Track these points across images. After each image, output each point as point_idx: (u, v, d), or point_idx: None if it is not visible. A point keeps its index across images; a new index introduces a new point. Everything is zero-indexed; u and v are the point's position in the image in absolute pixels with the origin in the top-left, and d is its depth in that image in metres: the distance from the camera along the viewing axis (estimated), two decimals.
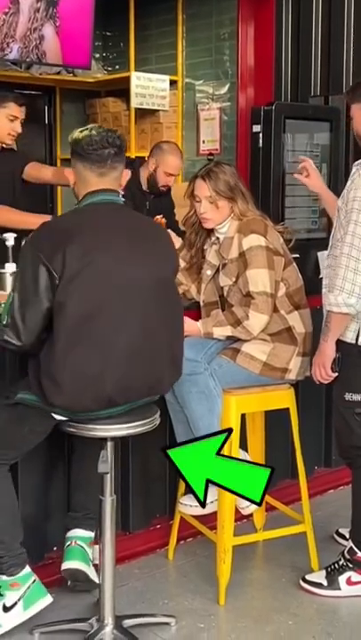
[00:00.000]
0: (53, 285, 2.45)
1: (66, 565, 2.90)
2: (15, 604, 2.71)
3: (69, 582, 2.93)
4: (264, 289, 3.06)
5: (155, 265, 2.63)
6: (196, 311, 3.33)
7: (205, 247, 3.32)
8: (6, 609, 2.70)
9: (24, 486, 3.02)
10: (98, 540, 2.83)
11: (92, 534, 2.97)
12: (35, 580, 2.74)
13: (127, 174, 2.72)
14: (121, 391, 2.56)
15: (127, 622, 2.77)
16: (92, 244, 2.50)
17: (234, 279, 3.15)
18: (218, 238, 3.25)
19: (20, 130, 3.91)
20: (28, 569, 2.74)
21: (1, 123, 3.85)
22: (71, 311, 2.46)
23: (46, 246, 2.47)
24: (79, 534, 2.94)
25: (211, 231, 3.29)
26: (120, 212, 2.67)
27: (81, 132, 2.64)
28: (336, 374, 2.99)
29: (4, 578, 2.72)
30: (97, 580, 2.87)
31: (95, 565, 2.92)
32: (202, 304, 3.32)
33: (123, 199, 2.71)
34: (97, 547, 2.94)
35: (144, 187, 4.48)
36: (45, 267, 2.44)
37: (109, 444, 2.68)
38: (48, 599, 2.76)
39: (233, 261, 3.15)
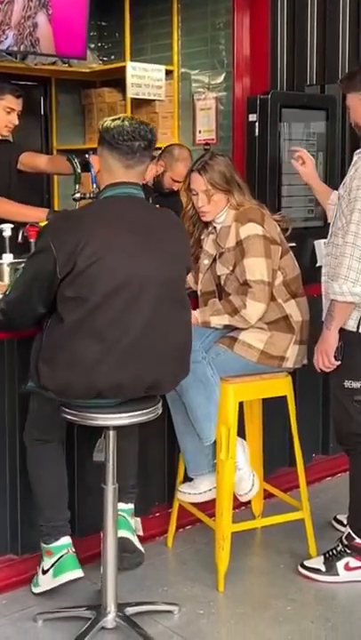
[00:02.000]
0: (58, 277, 2.48)
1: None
2: (49, 570, 2.86)
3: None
4: (261, 277, 3.07)
5: (165, 264, 2.61)
6: (193, 300, 3.34)
7: (202, 237, 3.33)
8: (44, 572, 2.89)
9: (24, 476, 3.05)
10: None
11: (131, 506, 3.05)
12: (68, 552, 2.84)
13: (153, 169, 2.71)
14: (111, 387, 2.56)
15: (129, 610, 2.79)
16: (103, 240, 2.50)
17: (231, 268, 3.16)
18: (215, 228, 3.26)
19: (16, 122, 3.91)
20: (63, 541, 2.85)
21: None
22: (75, 304, 2.50)
23: (59, 237, 2.50)
24: (120, 507, 2.96)
25: (208, 222, 3.29)
26: (137, 207, 2.64)
27: (113, 120, 2.61)
28: (339, 362, 3.00)
29: (42, 544, 2.88)
30: (142, 549, 3.00)
31: (139, 536, 3.08)
32: (199, 293, 3.33)
33: (143, 193, 2.68)
34: (138, 518, 3.11)
35: (149, 182, 4.48)
36: (54, 257, 2.47)
37: (111, 432, 2.69)
38: (77, 573, 2.83)
39: (230, 250, 3.15)
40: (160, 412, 2.75)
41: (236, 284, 3.15)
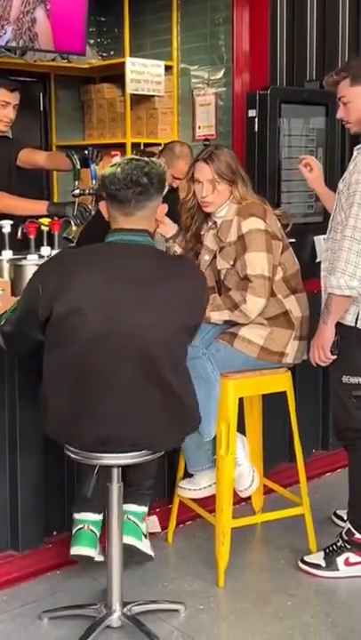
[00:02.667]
0: (40, 319, 2.46)
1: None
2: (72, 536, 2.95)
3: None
4: (262, 272, 3.07)
5: (158, 320, 2.46)
6: None
7: (202, 232, 3.32)
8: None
9: (24, 472, 3.05)
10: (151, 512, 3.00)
11: (145, 509, 3.03)
12: (83, 528, 2.90)
13: (164, 209, 2.61)
14: (96, 441, 2.54)
15: (135, 609, 2.79)
16: (85, 288, 2.42)
17: (231, 262, 3.15)
18: (215, 222, 3.25)
19: (12, 116, 3.88)
20: (84, 515, 2.91)
21: None
22: (54, 354, 2.49)
23: (46, 278, 2.47)
24: (132, 509, 2.97)
25: (207, 216, 3.29)
26: (135, 256, 2.51)
27: (111, 166, 2.54)
28: (335, 357, 3.00)
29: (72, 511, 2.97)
30: (151, 553, 3.00)
31: (151, 534, 3.10)
32: None
33: (149, 239, 2.56)
34: (151, 518, 3.13)
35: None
36: (39, 298, 2.44)
37: (115, 470, 2.70)
38: (84, 550, 2.89)
39: (231, 244, 3.15)
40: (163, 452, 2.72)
41: (236, 279, 3.15)
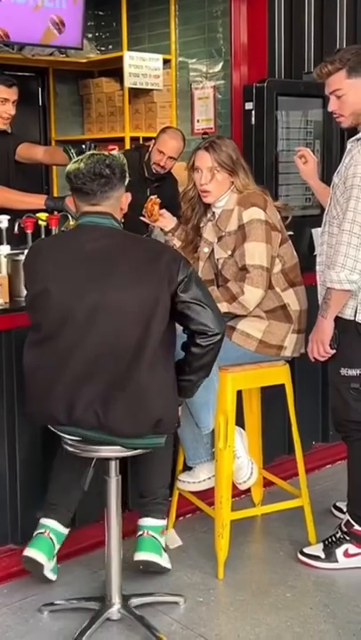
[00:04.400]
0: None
1: (139, 557, 2.93)
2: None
3: (141, 567, 2.96)
4: (260, 262, 3.07)
5: (124, 296, 2.49)
6: None
7: (201, 225, 3.32)
8: None
9: (23, 466, 3.06)
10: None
11: (163, 522, 3.01)
12: (43, 533, 2.88)
13: (128, 197, 2.69)
14: (64, 413, 2.56)
15: (134, 601, 2.81)
16: (51, 270, 2.55)
17: (230, 252, 3.15)
18: (214, 214, 3.25)
19: (11, 112, 3.89)
20: (49, 522, 2.90)
21: None
22: (32, 333, 2.62)
23: (25, 264, 2.73)
24: (150, 524, 2.97)
25: (207, 207, 3.29)
26: (96, 235, 2.58)
27: (74, 162, 2.65)
28: (334, 351, 3.00)
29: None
30: (169, 567, 2.99)
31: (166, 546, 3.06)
32: None
33: (113, 221, 2.63)
34: (170, 532, 3.14)
35: (147, 173, 4.46)
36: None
37: (112, 463, 2.71)
38: (36, 554, 2.85)
39: (231, 234, 3.14)
40: (163, 441, 2.68)
41: (233, 269, 3.14)
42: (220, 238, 3.19)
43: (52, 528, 2.90)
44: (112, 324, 2.49)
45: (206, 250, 3.27)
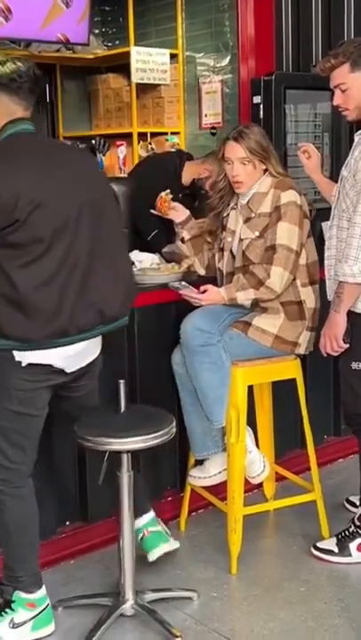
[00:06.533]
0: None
1: (152, 557, 2.97)
2: (24, 622, 2.65)
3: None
4: (289, 244, 3.04)
5: (94, 190, 2.62)
6: (199, 285, 3.28)
7: (225, 214, 3.28)
8: (15, 625, 2.64)
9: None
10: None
11: (152, 513, 3.02)
12: (48, 605, 2.70)
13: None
14: (72, 321, 2.52)
15: (147, 597, 2.81)
16: (37, 182, 2.44)
17: (257, 233, 3.11)
18: (237, 204, 3.22)
19: None
20: (44, 590, 2.70)
21: None
22: (19, 252, 2.43)
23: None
24: (145, 521, 2.98)
25: (232, 197, 3.25)
26: (47, 141, 2.70)
27: (4, 62, 2.52)
28: (347, 345, 2.98)
29: (22, 595, 2.65)
30: (178, 545, 3.05)
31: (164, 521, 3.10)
32: (223, 272, 3.26)
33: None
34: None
35: (183, 180, 4.37)
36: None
37: (124, 456, 2.69)
38: (52, 628, 2.70)
39: (261, 215, 3.11)
40: (174, 432, 2.69)
41: (258, 251, 3.10)
42: (248, 219, 3.16)
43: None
44: (97, 217, 2.58)
45: (230, 239, 3.24)
